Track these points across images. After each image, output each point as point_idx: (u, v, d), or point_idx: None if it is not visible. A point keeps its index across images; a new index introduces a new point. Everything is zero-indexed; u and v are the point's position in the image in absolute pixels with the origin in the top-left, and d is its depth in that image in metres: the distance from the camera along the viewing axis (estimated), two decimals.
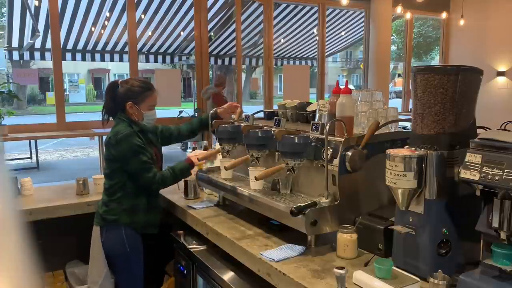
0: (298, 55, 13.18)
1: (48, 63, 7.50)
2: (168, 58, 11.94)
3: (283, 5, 9.05)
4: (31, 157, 9.90)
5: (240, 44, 7.31)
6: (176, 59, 12.43)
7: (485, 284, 1.31)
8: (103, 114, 2.54)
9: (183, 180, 2.66)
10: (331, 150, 1.84)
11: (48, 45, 8.34)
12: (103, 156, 2.52)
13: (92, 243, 2.48)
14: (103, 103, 2.56)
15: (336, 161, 1.82)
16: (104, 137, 2.62)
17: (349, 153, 1.81)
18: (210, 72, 8.25)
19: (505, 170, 1.25)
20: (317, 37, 8.72)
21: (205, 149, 3.33)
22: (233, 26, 10.19)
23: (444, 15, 8.77)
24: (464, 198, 1.49)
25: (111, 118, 2.52)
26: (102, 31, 9.69)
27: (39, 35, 8.58)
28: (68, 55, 10.20)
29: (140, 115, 2.47)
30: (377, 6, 8.02)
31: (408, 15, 8.41)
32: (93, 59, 10.89)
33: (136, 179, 2.41)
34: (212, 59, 11.39)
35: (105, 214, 2.43)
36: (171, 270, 2.74)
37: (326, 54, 8.90)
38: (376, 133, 1.87)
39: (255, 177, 2.06)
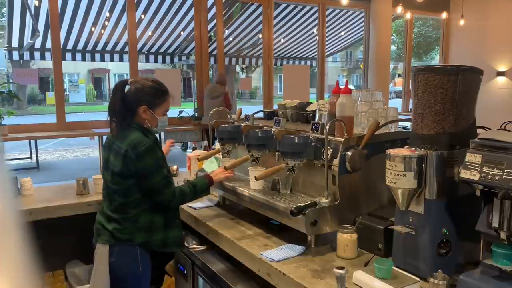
0: (298, 55, 13.18)
1: (48, 63, 7.50)
2: (168, 58, 11.94)
3: (283, 5, 9.04)
4: (31, 157, 9.90)
5: (222, 45, 7.27)
6: (176, 59, 12.43)
7: (485, 284, 1.31)
8: (110, 117, 2.22)
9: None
10: (331, 150, 1.84)
11: (48, 45, 8.33)
12: (115, 169, 2.14)
13: (97, 261, 2.21)
14: (108, 105, 2.23)
15: (336, 161, 1.82)
16: (105, 138, 2.43)
17: (349, 153, 1.81)
18: (210, 72, 8.21)
19: (505, 170, 1.25)
20: (317, 37, 8.72)
21: (205, 149, 3.33)
22: (233, 26, 10.20)
23: (444, 15, 8.77)
24: (464, 198, 1.49)
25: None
26: (102, 31, 9.69)
27: (39, 35, 8.59)
28: (68, 55, 10.20)
29: (154, 121, 2.19)
30: (377, 6, 8.03)
31: (408, 15, 8.41)
32: (93, 59, 10.90)
33: (153, 196, 2.15)
34: (212, 59, 11.40)
35: (117, 233, 2.16)
36: (171, 270, 2.74)
37: (326, 54, 8.90)
38: (376, 133, 1.87)
39: (255, 177, 2.06)
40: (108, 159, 2.21)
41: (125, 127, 2.16)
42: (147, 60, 11.48)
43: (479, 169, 1.31)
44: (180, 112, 7.35)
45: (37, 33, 8.37)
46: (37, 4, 7.75)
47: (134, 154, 2.07)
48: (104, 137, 2.58)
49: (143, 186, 2.13)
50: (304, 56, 13.32)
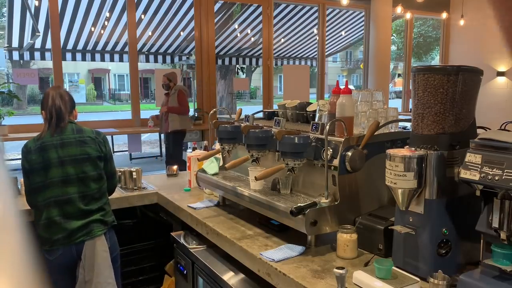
0: (298, 55, 13.17)
1: (48, 63, 7.50)
2: (168, 58, 11.93)
3: (283, 5, 9.04)
4: None
5: (212, 43, 7.13)
6: (176, 59, 12.42)
7: (485, 284, 1.31)
8: (56, 118, 2.43)
9: None
10: (331, 150, 1.84)
11: (48, 45, 8.33)
12: (93, 155, 2.40)
13: (100, 254, 2.31)
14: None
15: (336, 161, 1.82)
16: (40, 142, 2.49)
17: (349, 153, 1.81)
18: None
19: (505, 170, 1.25)
20: (317, 37, 8.72)
21: (205, 149, 3.33)
22: (233, 26, 10.20)
23: (444, 15, 8.77)
24: (464, 198, 1.49)
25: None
26: (102, 31, 9.68)
27: (39, 35, 8.57)
28: (68, 55, 10.19)
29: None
30: (377, 6, 8.02)
31: (408, 15, 8.41)
32: (93, 59, 10.88)
33: (111, 178, 2.53)
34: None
35: (105, 217, 2.40)
36: (171, 270, 2.74)
37: (326, 54, 8.90)
38: (376, 133, 1.86)
39: (255, 177, 2.06)
40: (74, 154, 2.35)
41: (65, 124, 2.40)
42: (147, 60, 11.48)
43: (479, 169, 1.31)
44: None
45: (37, 33, 8.36)
46: (37, 4, 7.74)
47: (102, 139, 2.47)
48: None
49: (108, 168, 2.48)
50: (304, 56, 13.31)
